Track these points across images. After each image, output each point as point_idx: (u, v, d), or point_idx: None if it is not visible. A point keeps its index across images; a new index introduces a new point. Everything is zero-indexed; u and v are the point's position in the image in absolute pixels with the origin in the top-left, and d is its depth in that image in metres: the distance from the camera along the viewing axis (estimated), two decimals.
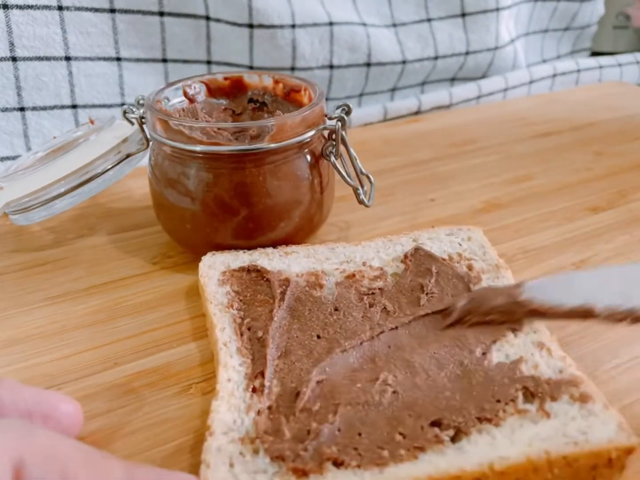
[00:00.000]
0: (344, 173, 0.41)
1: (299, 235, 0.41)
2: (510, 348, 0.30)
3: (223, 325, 0.32)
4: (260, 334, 0.31)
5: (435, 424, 0.26)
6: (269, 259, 0.37)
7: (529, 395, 0.27)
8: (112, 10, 0.55)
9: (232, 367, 0.29)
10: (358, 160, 0.41)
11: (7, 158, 0.55)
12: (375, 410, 0.27)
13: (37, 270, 0.41)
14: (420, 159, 0.57)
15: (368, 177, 0.43)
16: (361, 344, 0.31)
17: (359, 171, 0.42)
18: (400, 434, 0.25)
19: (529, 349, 0.30)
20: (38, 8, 0.52)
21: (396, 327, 0.32)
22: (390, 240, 0.39)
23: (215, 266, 0.37)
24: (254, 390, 0.28)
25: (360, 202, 0.42)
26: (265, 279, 0.35)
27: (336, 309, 0.33)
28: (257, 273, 0.36)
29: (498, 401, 0.27)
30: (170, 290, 0.39)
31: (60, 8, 0.53)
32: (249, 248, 0.39)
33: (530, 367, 0.29)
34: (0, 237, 0.45)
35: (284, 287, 0.35)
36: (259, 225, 0.38)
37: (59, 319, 0.36)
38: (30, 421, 0.24)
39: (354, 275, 0.36)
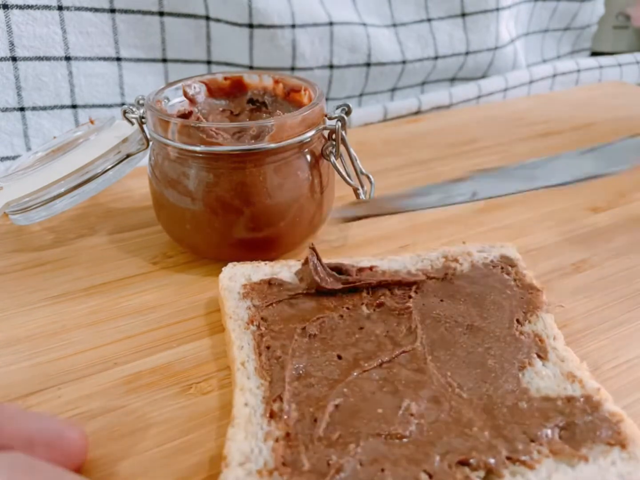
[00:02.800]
0: (344, 173, 0.41)
1: (299, 235, 0.41)
2: (541, 381, 0.29)
3: (242, 343, 0.31)
4: (279, 353, 0.30)
5: (464, 463, 0.24)
6: (290, 272, 0.36)
7: (565, 436, 0.26)
8: (112, 10, 0.55)
9: (249, 390, 0.28)
10: (358, 160, 0.41)
11: (7, 158, 0.55)
12: (399, 443, 0.25)
13: (37, 270, 0.41)
14: (420, 159, 0.57)
15: (368, 177, 0.42)
16: (381, 365, 0.29)
17: (359, 171, 0.42)
18: (426, 472, 0.24)
19: (560, 382, 0.28)
20: (38, 8, 0.52)
21: (415, 349, 0.30)
22: (419, 256, 0.38)
23: (235, 278, 0.35)
24: (271, 415, 0.27)
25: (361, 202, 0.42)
26: (287, 292, 0.34)
27: (360, 328, 0.32)
28: (278, 287, 0.35)
29: (532, 441, 0.25)
30: (170, 290, 0.39)
31: (60, 8, 0.53)
32: (249, 248, 0.39)
33: (563, 404, 0.27)
34: (0, 237, 0.45)
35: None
36: (259, 225, 0.38)
37: (59, 319, 0.36)
38: (33, 450, 0.23)
39: (381, 292, 0.34)
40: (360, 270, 0.36)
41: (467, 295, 0.34)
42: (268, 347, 0.31)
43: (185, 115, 0.42)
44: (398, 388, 0.28)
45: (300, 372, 0.29)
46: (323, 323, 0.32)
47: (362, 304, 0.34)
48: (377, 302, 0.34)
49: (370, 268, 0.36)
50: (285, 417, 0.26)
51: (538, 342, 0.31)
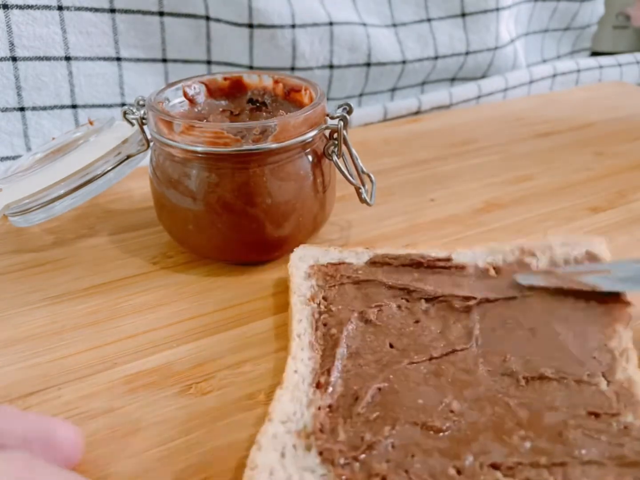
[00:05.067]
0: (346, 172, 0.41)
1: (302, 235, 0.40)
2: (599, 401, 0.27)
3: (301, 317, 0.33)
4: (334, 331, 0.31)
5: (496, 466, 0.24)
6: (357, 258, 0.37)
7: (611, 464, 0.24)
8: (112, 10, 0.55)
9: (300, 360, 0.30)
10: (359, 160, 0.41)
11: (7, 158, 0.55)
12: (434, 435, 0.25)
13: (37, 270, 0.41)
14: (420, 159, 0.57)
15: (369, 176, 0.43)
16: (430, 359, 0.30)
17: (360, 170, 0.42)
18: (455, 467, 0.24)
19: (619, 407, 0.26)
20: (38, 8, 0.52)
21: (467, 349, 0.30)
22: (491, 249, 0.37)
23: (305, 259, 0.37)
24: (318, 385, 0.28)
25: (363, 201, 0.42)
26: (351, 278, 0.35)
27: (416, 321, 0.32)
28: (344, 271, 0.36)
29: (588, 462, 0.24)
30: (170, 290, 0.39)
31: (60, 8, 0.53)
32: (252, 248, 0.39)
33: (617, 430, 0.25)
34: (0, 237, 0.45)
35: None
36: (262, 225, 0.38)
37: (59, 319, 0.36)
38: (30, 449, 0.23)
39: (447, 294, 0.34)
40: (433, 261, 0.36)
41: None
42: (325, 324, 0.32)
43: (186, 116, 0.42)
44: (443, 384, 0.28)
45: (352, 352, 0.30)
46: (380, 311, 0.33)
47: (422, 298, 0.34)
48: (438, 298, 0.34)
49: (448, 259, 0.36)
50: (331, 389, 0.28)
51: (608, 359, 0.29)
